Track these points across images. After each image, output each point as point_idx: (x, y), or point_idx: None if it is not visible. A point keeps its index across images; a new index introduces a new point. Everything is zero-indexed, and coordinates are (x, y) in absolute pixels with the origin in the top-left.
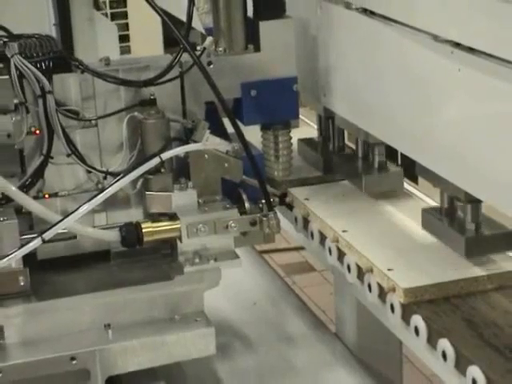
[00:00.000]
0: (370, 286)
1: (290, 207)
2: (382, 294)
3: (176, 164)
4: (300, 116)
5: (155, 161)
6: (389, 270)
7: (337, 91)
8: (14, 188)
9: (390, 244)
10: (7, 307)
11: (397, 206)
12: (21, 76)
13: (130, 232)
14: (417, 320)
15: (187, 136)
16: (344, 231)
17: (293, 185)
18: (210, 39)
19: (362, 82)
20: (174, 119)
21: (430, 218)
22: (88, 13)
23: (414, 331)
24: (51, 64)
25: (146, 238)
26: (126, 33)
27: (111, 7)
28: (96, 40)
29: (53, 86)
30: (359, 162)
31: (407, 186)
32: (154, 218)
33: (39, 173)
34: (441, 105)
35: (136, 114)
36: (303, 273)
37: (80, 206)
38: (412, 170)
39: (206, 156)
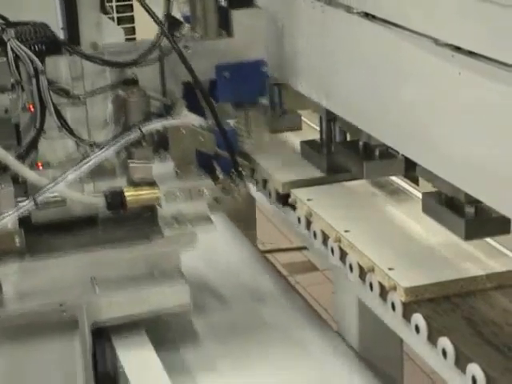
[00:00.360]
0: (371, 285)
1: (293, 207)
2: (383, 293)
3: (156, 138)
4: (302, 118)
5: (136, 133)
6: (390, 269)
7: (339, 94)
8: (11, 157)
9: (391, 244)
10: (4, 264)
11: (398, 206)
12: (17, 58)
13: (115, 197)
14: (417, 318)
15: (166, 112)
16: (346, 231)
17: (296, 186)
18: (187, 26)
19: (363, 86)
20: (154, 97)
21: (430, 201)
22: (95, 17)
23: (415, 329)
24: (44, 47)
25: (129, 203)
26: (132, 36)
27: (118, 12)
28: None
29: (45, 67)
30: (360, 150)
31: (408, 187)
32: (136, 185)
33: (33, 145)
34: (441, 107)
35: (120, 92)
36: (306, 272)
37: (68, 172)
38: (413, 171)
39: (182, 131)
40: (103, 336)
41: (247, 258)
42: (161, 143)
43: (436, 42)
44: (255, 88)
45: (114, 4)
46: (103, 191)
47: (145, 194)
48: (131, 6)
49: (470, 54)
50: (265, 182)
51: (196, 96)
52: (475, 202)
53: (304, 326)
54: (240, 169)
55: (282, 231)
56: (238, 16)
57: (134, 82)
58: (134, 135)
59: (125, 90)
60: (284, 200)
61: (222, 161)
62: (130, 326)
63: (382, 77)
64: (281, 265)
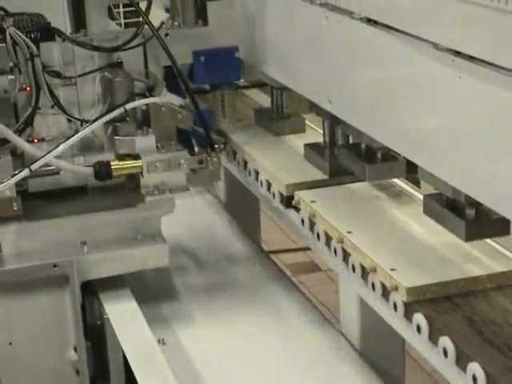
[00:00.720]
0: (373, 285)
1: (297, 209)
2: (385, 293)
3: (140, 115)
4: (306, 122)
5: (120, 110)
6: (392, 269)
7: (342, 98)
8: (9, 131)
9: (393, 245)
10: (3, 226)
11: (400, 208)
12: (14, 44)
13: (102, 167)
14: (419, 318)
15: (148, 92)
16: (349, 232)
17: (300, 188)
18: (167, 15)
19: (365, 90)
20: (137, 79)
21: (431, 203)
22: (103, 22)
23: (416, 329)
24: (39, 34)
25: (114, 173)
26: None
27: (125, 17)
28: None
29: (40, 52)
30: (363, 153)
31: (410, 189)
32: (121, 157)
33: (29, 121)
34: (442, 111)
35: (107, 74)
36: (309, 272)
37: (60, 144)
38: (414, 173)
39: (163, 109)
40: (91, 290)
41: (249, 255)
42: (143, 120)
43: (436, 46)
44: (229, 72)
45: (121, 10)
46: (92, 163)
47: (128, 164)
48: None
49: (470, 58)
50: (269, 183)
51: (175, 78)
52: (475, 204)
53: (306, 324)
54: (214, 144)
55: (286, 232)
56: (212, 7)
57: (119, 65)
58: (118, 112)
59: (111, 72)
60: (288, 202)
61: (199, 136)
62: (115, 282)
63: (383, 81)
64: (284, 265)
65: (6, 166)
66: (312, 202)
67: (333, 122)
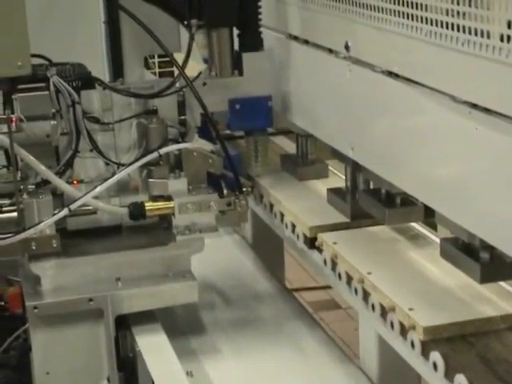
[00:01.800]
0: (392, 324)
1: (320, 250)
2: (404, 332)
3: (173, 160)
4: (329, 167)
5: (154, 154)
6: (410, 309)
7: (364, 146)
8: (51, 173)
9: (411, 286)
10: (43, 262)
11: (417, 251)
12: (57, 91)
13: (136, 208)
14: (435, 356)
15: (181, 138)
16: (369, 273)
17: (322, 230)
18: (205, 66)
19: (386, 139)
20: (170, 125)
21: (447, 246)
22: (139, 72)
23: (433, 366)
24: (80, 83)
25: (147, 213)
26: None
27: (160, 67)
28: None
29: (81, 99)
30: (383, 198)
31: (427, 232)
32: (155, 198)
33: (69, 163)
34: (458, 160)
35: (142, 120)
36: (330, 310)
37: (97, 186)
38: (432, 218)
39: (194, 153)
40: (124, 324)
41: (274, 293)
42: (176, 164)
43: (454, 99)
44: (262, 119)
45: (156, 60)
46: (128, 204)
47: (161, 205)
48: (171, 62)
49: (486, 110)
50: (293, 225)
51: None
52: (490, 248)
53: (326, 360)
54: (242, 187)
55: (308, 271)
56: (247, 58)
57: (154, 112)
58: (152, 156)
59: (147, 118)
60: (311, 243)
61: (228, 180)
62: (147, 316)
63: (402, 130)
64: (306, 302)
65: (47, 206)
66: (334, 243)
67: (354, 168)
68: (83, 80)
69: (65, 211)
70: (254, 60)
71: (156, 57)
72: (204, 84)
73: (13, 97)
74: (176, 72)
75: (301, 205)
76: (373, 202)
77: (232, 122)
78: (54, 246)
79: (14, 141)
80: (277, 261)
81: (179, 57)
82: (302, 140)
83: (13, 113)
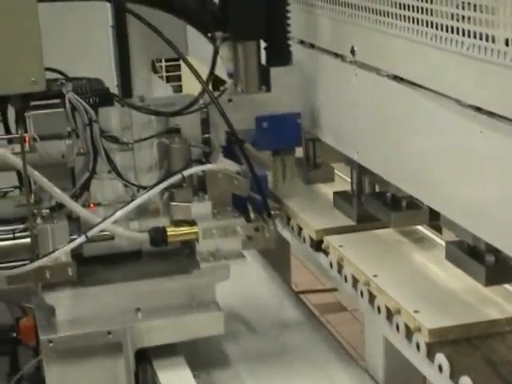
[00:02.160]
0: (397, 326)
1: (326, 253)
2: (409, 334)
3: (196, 181)
4: (335, 171)
5: (177, 177)
6: (415, 311)
7: (369, 149)
8: (66, 196)
9: (417, 288)
10: (58, 291)
11: (422, 254)
12: (73, 109)
13: (158, 234)
14: (440, 358)
15: (205, 158)
16: (375, 276)
17: (328, 233)
18: (230, 81)
19: (391, 142)
20: (194, 145)
21: (453, 249)
22: (147, 76)
23: (438, 368)
24: (97, 99)
25: (169, 239)
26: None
27: (167, 71)
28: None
29: (98, 117)
30: (388, 201)
31: (432, 235)
32: (177, 223)
33: (86, 186)
34: (463, 163)
35: (164, 140)
36: (336, 312)
37: (117, 211)
38: (437, 221)
39: (219, 175)
40: (145, 357)
41: (281, 296)
42: (199, 186)
43: (459, 102)
44: (291, 138)
45: (163, 64)
46: (148, 229)
47: (184, 231)
48: (179, 65)
49: (491, 114)
50: (300, 228)
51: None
52: (495, 251)
53: (333, 362)
54: (270, 210)
55: (315, 274)
56: (276, 73)
57: (176, 130)
58: (176, 179)
59: (168, 138)
60: (317, 246)
61: (256, 203)
62: (169, 349)
63: (407, 133)
64: (312, 305)
65: (63, 231)
66: (340, 246)
67: (360, 172)
68: (101, 96)
69: (82, 238)
70: (283, 75)
71: (163, 61)
72: (229, 100)
73: (26, 114)
74: (183, 75)
75: (307, 208)
76: (378, 205)
77: (259, 141)
78: (70, 274)
79: (27, 162)
80: (283, 263)
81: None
82: (309, 144)
83: (26, 132)
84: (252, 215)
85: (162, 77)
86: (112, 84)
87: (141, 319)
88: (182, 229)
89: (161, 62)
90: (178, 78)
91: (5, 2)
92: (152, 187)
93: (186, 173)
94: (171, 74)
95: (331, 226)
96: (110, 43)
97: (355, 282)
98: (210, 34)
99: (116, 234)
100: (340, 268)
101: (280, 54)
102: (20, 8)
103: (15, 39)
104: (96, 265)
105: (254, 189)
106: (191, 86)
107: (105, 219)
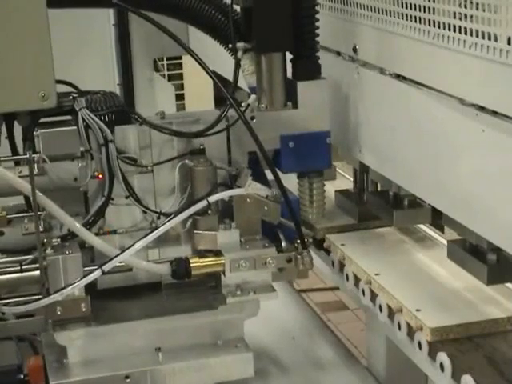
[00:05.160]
0: (399, 325)
1: (328, 252)
2: (411, 333)
3: (221, 206)
4: (337, 170)
5: (203, 203)
6: (417, 310)
7: (371, 148)
8: (78, 225)
9: (419, 287)
10: (70, 330)
11: (424, 252)
12: (87, 127)
13: (180, 266)
14: (442, 357)
15: (232, 182)
16: (376, 274)
17: (330, 231)
18: (253, 97)
19: (393, 140)
20: (220, 167)
21: (454, 248)
22: (148, 74)
23: (440, 367)
24: (113, 117)
25: (193, 272)
26: (181, 92)
27: (169, 69)
28: (155, 98)
29: (114, 136)
30: (390, 200)
31: (434, 234)
32: (201, 254)
33: (101, 212)
34: (465, 161)
35: (187, 161)
36: (337, 311)
37: (136, 242)
38: (439, 220)
39: (247, 200)
40: None
41: (283, 295)
42: (226, 212)
43: (461, 101)
44: (319, 159)
45: (165, 62)
46: (169, 260)
47: (209, 262)
48: (181, 64)
49: (493, 113)
50: None
51: (260, 165)
52: (497, 250)
53: (335, 360)
54: (305, 239)
55: (316, 273)
56: (303, 88)
57: (200, 151)
58: (200, 206)
59: (191, 159)
60: (319, 244)
61: (286, 230)
62: None
63: (410, 132)
64: (314, 303)
65: (75, 263)
66: (342, 245)
67: (362, 171)
68: (117, 113)
69: (97, 272)
70: (311, 89)
71: (165, 59)
72: (252, 118)
73: (34, 133)
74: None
75: None
76: (380, 203)
77: (285, 162)
78: (83, 310)
79: (35, 186)
80: None
81: (188, 60)
82: None
83: (34, 152)
84: (284, 244)
85: (163, 75)
86: (113, 82)
87: (162, 361)
88: (206, 260)
89: (162, 60)
90: (180, 77)
91: (14, 8)
92: (174, 215)
93: (212, 199)
94: (173, 72)
95: (333, 225)
96: (111, 41)
97: (357, 280)
98: (230, 45)
99: (135, 266)
100: (342, 266)
101: (308, 67)
102: (29, 15)
103: (23, 49)
104: (111, 299)
105: (284, 215)
106: (193, 85)
107: (123, 251)
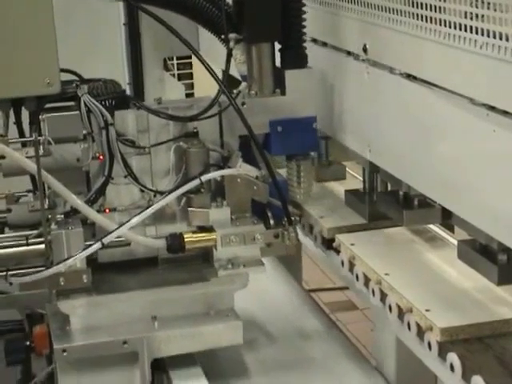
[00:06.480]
0: (409, 325)
1: (337, 251)
2: (420, 333)
3: (214, 186)
4: (347, 169)
5: (196, 182)
6: (427, 310)
7: (381, 147)
8: (80, 202)
9: (428, 287)
10: (72, 299)
11: (434, 252)
12: (89, 111)
13: (175, 240)
14: (452, 357)
15: (223, 163)
16: (386, 274)
17: (340, 231)
18: (244, 84)
19: (403, 140)
20: (212, 149)
21: (465, 248)
22: (158, 73)
23: (450, 368)
24: (113, 102)
25: (187, 246)
26: (191, 91)
27: (179, 69)
28: (165, 97)
29: (114, 120)
30: (400, 199)
31: (444, 234)
32: (195, 229)
33: (101, 191)
34: (476, 162)
35: (181, 143)
36: (346, 311)
37: (133, 217)
38: (449, 220)
39: (238, 180)
40: (161, 367)
41: (293, 296)
42: (218, 191)
43: (472, 101)
44: (306, 142)
45: (175, 62)
46: (164, 235)
47: (202, 237)
48: (190, 63)
49: (504, 113)
50: (311, 227)
51: (251, 148)
52: (508, 250)
53: (344, 360)
54: (291, 217)
55: (326, 272)
56: (290, 76)
57: (194, 134)
58: (194, 184)
59: (186, 141)
60: (329, 244)
61: (274, 209)
62: (185, 359)
63: (420, 132)
64: (323, 303)
65: (78, 238)
66: (352, 244)
67: (372, 170)
68: (117, 99)
69: (97, 245)
70: (298, 78)
71: (175, 58)
72: (243, 104)
73: (40, 117)
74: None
75: (319, 206)
76: (390, 203)
77: (274, 145)
78: (85, 281)
79: (41, 166)
80: (294, 262)
81: (195, 60)
82: (320, 142)
83: (40, 135)
84: (271, 221)
85: (173, 75)
86: (123, 82)
87: (157, 328)
88: (199, 235)
89: (172, 59)
90: (190, 76)
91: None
92: (169, 193)
93: (205, 178)
94: (183, 71)
95: (343, 225)
96: (122, 41)
97: (366, 280)
98: (223, 36)
99: (132, 240)
100: (351, 266)
101: (295, 56)
102: (35, 7)
103: (29, 39)
104: (111, 272)
105: (273, 194)
106: (203, 84)
107: (121, 225)
